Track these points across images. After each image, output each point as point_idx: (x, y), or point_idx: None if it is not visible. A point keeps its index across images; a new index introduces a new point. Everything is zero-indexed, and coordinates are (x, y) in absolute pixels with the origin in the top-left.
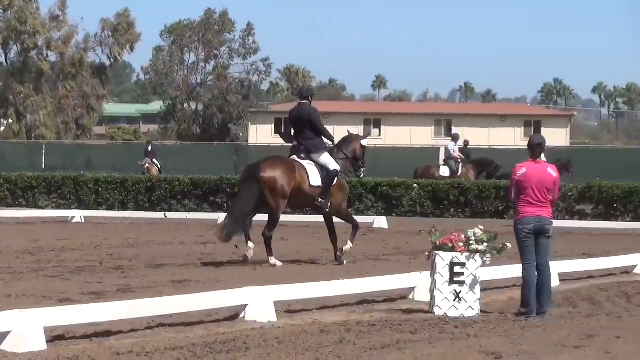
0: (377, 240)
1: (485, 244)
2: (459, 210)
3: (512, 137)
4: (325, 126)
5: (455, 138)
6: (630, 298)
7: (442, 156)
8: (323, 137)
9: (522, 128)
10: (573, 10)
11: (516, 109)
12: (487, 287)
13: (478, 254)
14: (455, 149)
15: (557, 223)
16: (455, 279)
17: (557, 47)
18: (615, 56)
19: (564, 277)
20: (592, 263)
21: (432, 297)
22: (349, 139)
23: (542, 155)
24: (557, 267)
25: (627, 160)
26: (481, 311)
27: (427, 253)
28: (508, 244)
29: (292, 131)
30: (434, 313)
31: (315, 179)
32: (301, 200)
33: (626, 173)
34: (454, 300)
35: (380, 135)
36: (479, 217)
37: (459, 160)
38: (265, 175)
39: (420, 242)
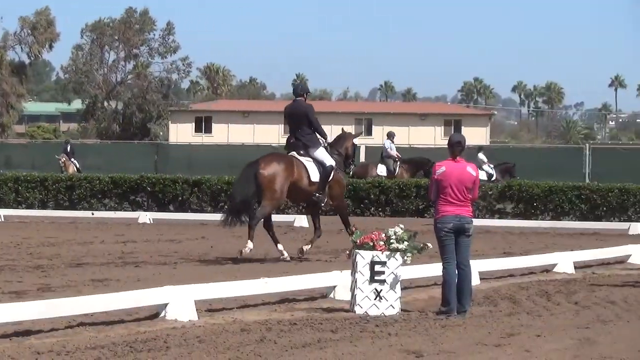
0: (298, 239)
1: (406, 243)
2: (380, 209)
3: (432, 136)
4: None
5: (391, 136)
6: (550, 296)
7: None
8: (317, 134)
9: (442, 127)
10: (492, 9)
11: (436, 107)
12: (408, 286)
13: (399, 252)
14: (392, 147)
15: (477, 222)
16: (376, 278)
17: (477, 46)
18: (535, 55)
19: (485, 276)
20: (512, 262)
21: (353, 296)
22: (343, 136)
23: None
24: (477, 266)
25: (547, 159)
26: (402, 310)
27: (347, 252)
28: (428, 243)
29: (288, 127)
30: (355, 312)
31: (314, 175)
32: (299, 196)
33: (546, 172)
34: (375, 299)
35: None
36: (400, 215)
37: (397, 160)
38: (264, 172)
39: (341, 240)
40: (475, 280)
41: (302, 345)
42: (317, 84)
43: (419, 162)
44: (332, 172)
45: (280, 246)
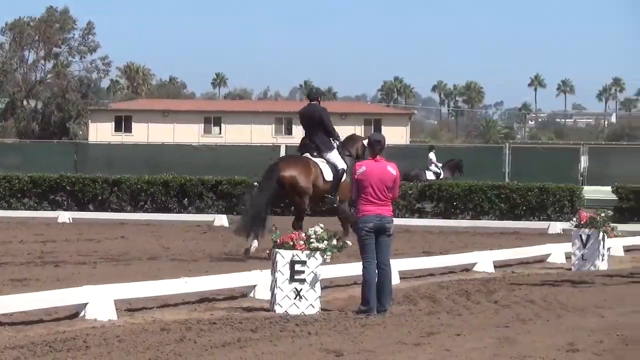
0: (218, 239)
1: (326, 242)
2: None
3: None
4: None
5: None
6: (469, 295)
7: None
8: (331, 136)
9: (363, 126)
10: (412, 8)
11: (356, 107)
12: (328, 285)
13: (318, 252)
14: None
15: (397, 221)
16: (296, 277)
17: (397, 45)
18: (455, 55)
19: (405, 275)
20: (432, 261)
21: (273, 295)
22: (353, 138)
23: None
24: (397, 265)
25: (466, 158)
26: (322, 309)
27: (267, 251)
28: (348, 242)
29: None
30: (275, 311)
31: (328, 174)
32: (315, 195)
33: (466, 171)
34: (295, 298)
35: (220, 133)
36: (320, 215)
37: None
38: (285, 174)
39: (261, 240)
40: (395, 280)
41: (222, 344)
42: (237, 84)
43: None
44: (344, 175)
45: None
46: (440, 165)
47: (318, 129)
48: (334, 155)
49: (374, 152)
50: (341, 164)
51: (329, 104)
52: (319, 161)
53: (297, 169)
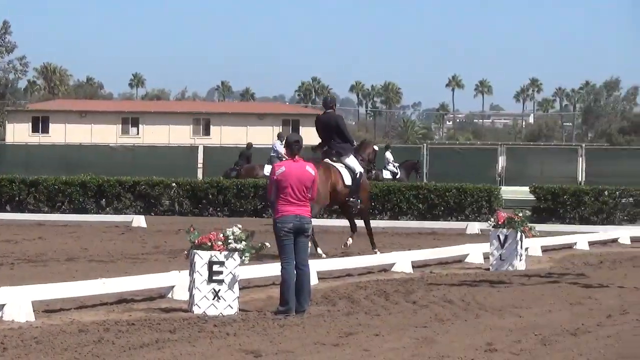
0: (136, 240)
1: (244, 243)
2: (218, 209)
3: (270, 136)
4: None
5: (280, 137)
6: (388, 296)
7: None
8: (348, 142)
9: (281, 127)
10: (328, 8)
11: (274, 107)
12: (246, 286)
13: (237, 252)
14: (282, 149)
15: (315, 221)
16: (214, 278)
17: (315, 46)
18: (372, 56)
19: (323, 276)
20: (350, 261)
21: (191, 296)
22: (365, 143)
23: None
24: (316, 266)
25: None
26: (240, 310)
27: (186, 252)
28: (267, 243)
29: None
30: (193, 312)
31: (347, 179)
32: (335, 198)
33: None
34: (213, 299)
35: (138, 134)
36: (238, 215)
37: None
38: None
39: (179, 241)
40: (313, 280)
41: (140, 345)
42: (154, 84)
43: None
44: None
45: (319, 250)
46: (397, 165)
47: (335, 135)
48: (352, 160)
49: (292, 152)
50: (359, 169)
51: (247, 105)
52: (338, 166)
53: (318, 172)
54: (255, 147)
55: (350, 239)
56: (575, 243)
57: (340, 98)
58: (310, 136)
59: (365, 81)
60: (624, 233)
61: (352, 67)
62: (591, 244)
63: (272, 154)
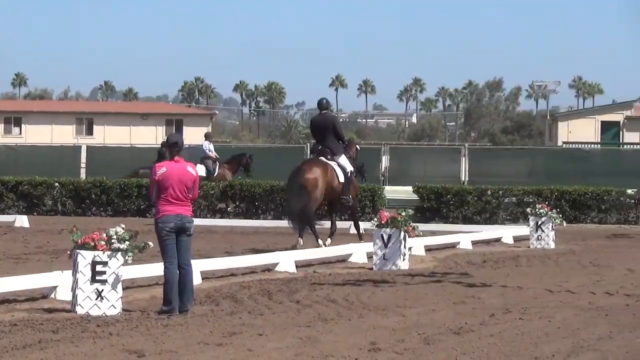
0: (19, 240)
1: (127, 243)
2: (101, 209)
3: (154, 136)
4: None
5: (208, 137)
6: (271, 295)
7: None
8: (341, 141)
9: (164, 127)
10: (214, 9)
11: (158, 107)
12: (130, 286)
13: (120, 252)
14: (210, 148)
15: (198, 221)
16: (97, 278)
17: (198, 46)
18: (256, 55)
19: (207, 275)
20: (234, 261)
21: (74, 296)
22: (350, 142)
23: (343, 158)
24: (199, 265)
25: (268, 158)
26: (124, 310)
27: (69, 252)
28: (150, 243)
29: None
30: (77, 312)
31: (341, 176)
32: (330, 196)
33: (268, 171)
34: (97, 299)
35: (21, 133)
36: (121, 215)
37: (216, 161)
38: (309, 176)
39: (62, 240)
40: (197, 280)
41: (23, 346)
42: (37, 83)
43: (236, 159)
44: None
45: (320, 241)
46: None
47: (329, 135)
48: (344, 160)
49: (172, 153)
50: (349, 167)
51: (131, 104)
52: (333, 164)
53: (318, 171)
54: (139, 146)
55: (329, 239)
56: (459, 242)
57: (224, 98)
58: (193, 135)
59: (249, 81)
60: (506, 232)
61: (236, 67)
62: (474, 243)
63: (202, 155)
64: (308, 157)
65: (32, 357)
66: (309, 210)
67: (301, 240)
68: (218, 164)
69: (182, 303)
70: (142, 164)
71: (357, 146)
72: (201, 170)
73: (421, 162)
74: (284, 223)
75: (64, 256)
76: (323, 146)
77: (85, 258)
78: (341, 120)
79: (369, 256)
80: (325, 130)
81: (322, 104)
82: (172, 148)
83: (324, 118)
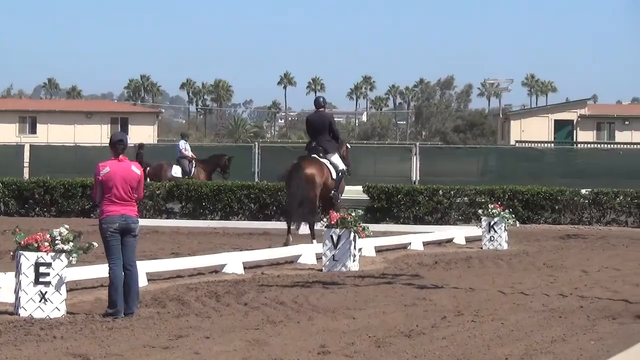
0: None
1: (71, 244)
2: (45, 209)
3: (99, 134)
4: None
5: (185, 136)
6: (219, 297)
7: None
8: (336, 139)
9: (109, 125)
10: (159, 5)
11: (102, 105)
12: (74, 288)
13: (64, 253)
14: (187, 148)
15: (144, 222)
16: (40, 280)
17: (144, 43)
18: (203, 53)
19: (153, 277)
20: (180, 262)
21: (17, 298)
22: (341, 142)
23: (336, 157)
24: (144, 267)
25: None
26: (68, 312)
27: (11, 253)
28: (94, 243)
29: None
30: (20, 315)
31: (334, 173)
32: (325, 193)
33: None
34: (40, 302)
35: None
36: (65, 216)
37: (192, 160)
38: (308, 172)
39: (5, 241)
40: (142, 282)
41: None
42: None
43: (214, 159)
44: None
45: (314, 241)
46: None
47: (325, 134)
48: (336, 158)
49: (117, 152)
50: (341, 166)
51: (75, 103)
52: (326, 161)
53: (316, 168)
54: (83, 145)
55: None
56: (410, 243)
57: (170, 96)
58: (140, 135)
59: (196, 79)
60: (458, 233)
61: (183, 65)
62: (426, 244)
63: (178, 155)
64: (301, 155)
65: None
66: (312, 205)
67: (291, 237)
68: (194, 163)
69: (128, 305)
70: (86, 164)
71: (348, 145)
72: (176, 171)
73: (371, 161)
74: (231, 224)
75: (6, 257)
76: (317, 143)
77: (28, 259)
78: (289, 119)
79: (319, 257)
80: (322, 129)
81: (319, 102)
82: (116, 147)
83: (321, 116)
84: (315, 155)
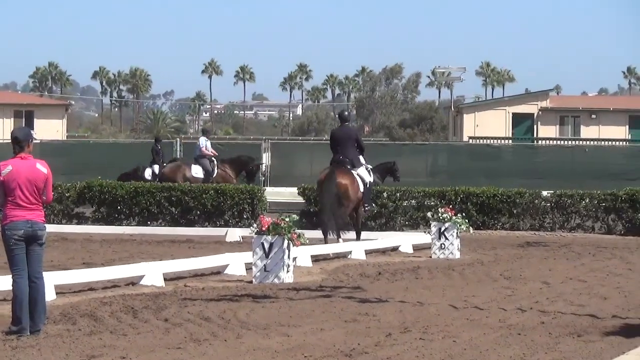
0: None
1: None
2: None
3: (1, 129)
4: None
5: (205, 132)
6: (136, 313)
7: None
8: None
9: (12, 119)
10: None
11: (5, 97)
12: None
13: None
14: (207, 146)
15: (51, 227)
16: None
17: (52, 26)
18: (117, 39)
19: (62, 290)
20: (93, 273)
21: None
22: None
23: (363, 170)
24: (52, 279)
25: (131, 155)
26: None
27: None
28: None
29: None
30: None
31: (361, 186)
32: (356, 204)
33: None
34: None
35: None
36: None
37: (213, 159)
38: (341, 181)
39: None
40: (50, 295)
41: None
42: None
43: (241, 161)
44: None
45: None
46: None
47: (350, 147)
48: (363, 171)
49: (17, 149)
50: (369, 178)
51: None
52: (355, 174)
53: (349, 179)
54: None
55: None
56: (350, 252)
57: (81, 86)
58: (47, 129)
59: (110, 67)
60: (405, 240)
61: (95, 51)
62: (368, 252)
63: (197, 154)
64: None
65: None
66: (345, 213)
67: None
68: (216, 162)
69: (34, 322)
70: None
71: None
72: (197, 171)
73: (307, 160)
74: (150, 230)
75: None
76: (344, 156)
77: None
78: (215, 112)
79: (248, 267)
80: (347, 142)
81: (344, 116)
82: (15, 144)
83: (346, 131)
84: (343, 167)
